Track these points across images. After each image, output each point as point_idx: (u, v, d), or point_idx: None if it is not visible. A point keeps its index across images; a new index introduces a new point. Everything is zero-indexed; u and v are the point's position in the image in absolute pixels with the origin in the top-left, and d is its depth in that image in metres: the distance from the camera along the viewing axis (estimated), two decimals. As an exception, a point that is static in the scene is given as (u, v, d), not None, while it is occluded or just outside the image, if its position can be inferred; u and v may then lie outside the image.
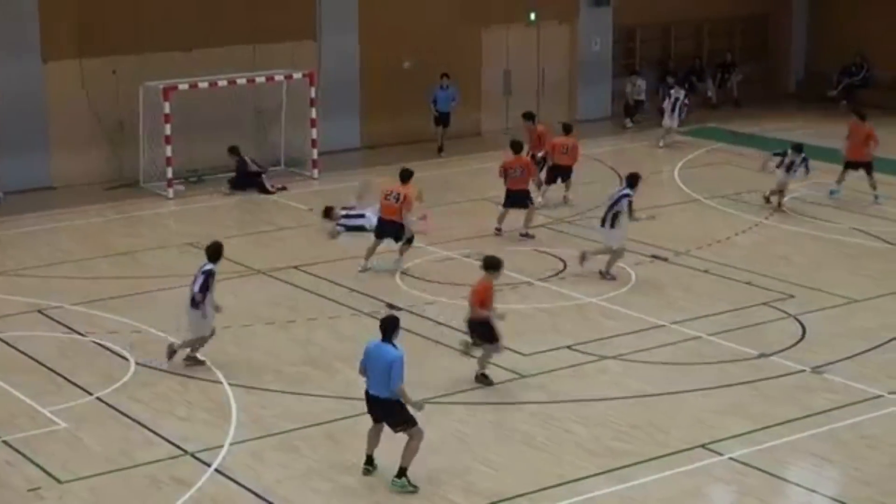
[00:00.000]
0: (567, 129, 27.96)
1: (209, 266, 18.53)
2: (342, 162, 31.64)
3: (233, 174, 29.16)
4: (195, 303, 18.37)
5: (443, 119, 32.86)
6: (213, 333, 18.79)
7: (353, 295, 21.93)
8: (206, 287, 18.37)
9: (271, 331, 20.43)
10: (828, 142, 32.72)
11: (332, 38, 32.48)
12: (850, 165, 28.06)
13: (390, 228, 23.03)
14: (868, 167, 27.71)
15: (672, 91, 34.22)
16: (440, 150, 32.69)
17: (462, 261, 23.82)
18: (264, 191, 28.94)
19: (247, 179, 29.15)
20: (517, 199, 25.09)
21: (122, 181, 29.57)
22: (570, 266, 23.34)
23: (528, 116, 29.22)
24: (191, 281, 18.67)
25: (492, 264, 18.35)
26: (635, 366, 18.95)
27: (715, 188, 28.93)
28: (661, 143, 33.58)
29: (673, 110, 33.66)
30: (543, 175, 27.56)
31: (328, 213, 26.02)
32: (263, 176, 29.25)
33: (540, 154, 28.11)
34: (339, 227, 25.57)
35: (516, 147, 25.58)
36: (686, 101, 34.18)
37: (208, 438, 16.45)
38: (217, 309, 18.78)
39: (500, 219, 25.36)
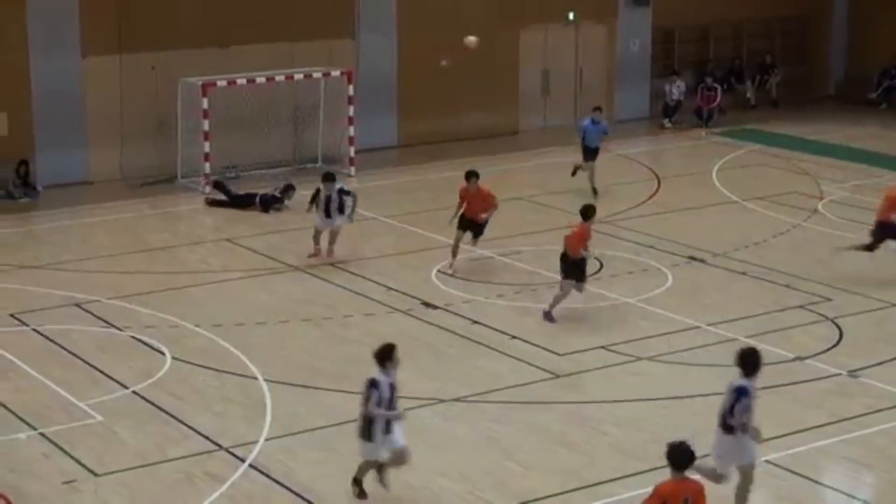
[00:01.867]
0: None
1: (741, 381, 13.84)
2: (379, 160, 31.69)
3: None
4: (728, 426, 13.87)
5: (591, 154, 28.75)
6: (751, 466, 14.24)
7: (389, 293, 21.95)
8: (736, 405, 13.78)
9: (307, 328, 20.47)
10: (866, 144, 32.69)
11: (370, 36, 32.55)
12: None
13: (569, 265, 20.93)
14: None
15: None
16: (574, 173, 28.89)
17: (497, 259, 23.83)
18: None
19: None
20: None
21: (160, 177, 29.68)
22: (607, 266, 23.29)
23: (472, 175, 23.42)
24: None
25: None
26: (670, 367, 18.91)
27: (753, 189, 28.79)
28: None
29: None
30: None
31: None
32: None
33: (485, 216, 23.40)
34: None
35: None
36: None
37: (243, 434, 16.49)
38: (756, 436, 14.09)
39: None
